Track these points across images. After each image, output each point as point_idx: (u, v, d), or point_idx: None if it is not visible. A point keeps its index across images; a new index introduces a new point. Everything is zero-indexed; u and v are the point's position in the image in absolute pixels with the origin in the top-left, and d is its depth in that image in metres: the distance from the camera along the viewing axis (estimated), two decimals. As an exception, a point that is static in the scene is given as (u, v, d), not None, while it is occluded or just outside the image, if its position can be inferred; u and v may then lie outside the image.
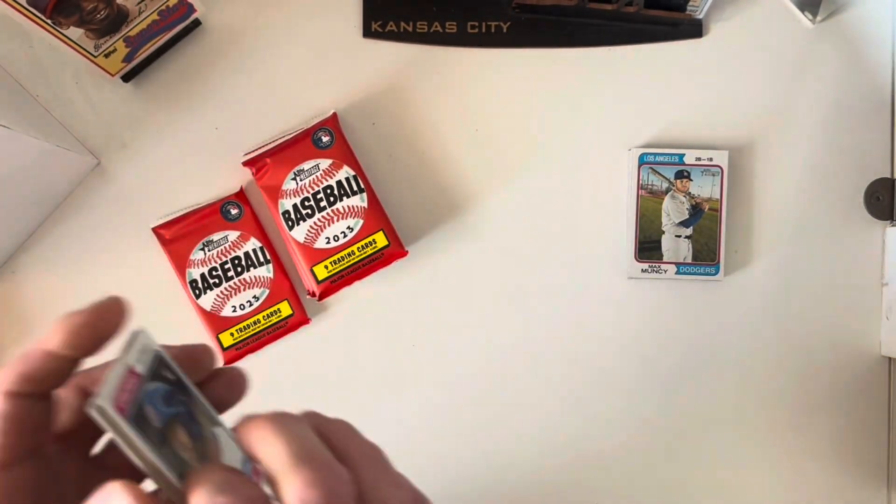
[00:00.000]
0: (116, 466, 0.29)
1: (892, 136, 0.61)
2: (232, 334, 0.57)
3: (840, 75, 0.61)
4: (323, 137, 0.58)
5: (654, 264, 0.59)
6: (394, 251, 0.57)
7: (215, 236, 0.57)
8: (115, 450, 0.28)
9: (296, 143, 0.57)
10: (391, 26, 0.60)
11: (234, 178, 0.59)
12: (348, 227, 0.57)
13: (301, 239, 0.57)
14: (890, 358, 0.61)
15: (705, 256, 0.59)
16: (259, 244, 0.58)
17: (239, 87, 0.60)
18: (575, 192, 0.60)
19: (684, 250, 0.59)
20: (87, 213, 0.59)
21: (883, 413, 0.61)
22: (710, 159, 0.59)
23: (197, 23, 0.59)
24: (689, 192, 0.59)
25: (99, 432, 0.30)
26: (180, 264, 0.57)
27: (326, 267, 0.57)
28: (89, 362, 0.29)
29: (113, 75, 0.58)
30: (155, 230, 0.58)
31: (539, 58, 0.61)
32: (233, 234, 0.58)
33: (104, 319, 0.27)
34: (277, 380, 0.59)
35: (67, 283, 0.59)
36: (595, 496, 0.61)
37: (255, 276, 0.58)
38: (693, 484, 0.61)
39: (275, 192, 0.57)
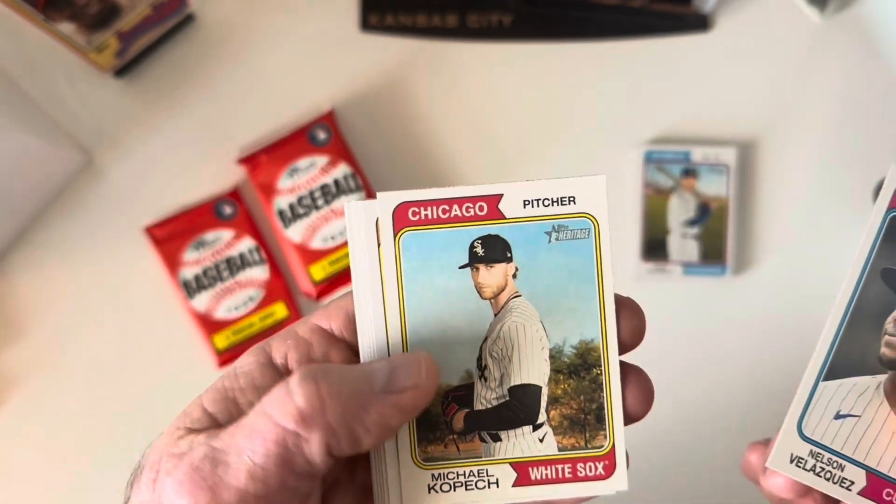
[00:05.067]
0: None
1: (904, 132, 0.60)
2: (227, 337, 0.56)
3: (849, 71, 0.60)
4: (320, 134, 0.57)
5: (660, 264, 0.58)
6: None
7: (208, 236, 0.57)
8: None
9: (291, 140, 0.57)
10: (389, 19, 0.59)
11: (228, 175, 0.58)
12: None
13: (297, 239, 0.56)
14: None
15: (713, 256, 0.58)
16: (254, 244, 0.57)
17: (233, 82, 0.59)
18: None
19: (691, 250, 0.58)
20: (76, 211, 0.59)
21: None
22: (718, 156, 0.58)
23: (191, 17, 0.59)
24: (696, 191, 0.58)
25: None
26: (172, 265, 0.56)
27: (323, 267, 0.56)
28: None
29: (105, 71, 0.57)
30: (146, 229, 0.57)
31: (542, 52, 0.60)
32: (226, 234, 0.57)
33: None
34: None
35: (57, 283, 0.58)
36: (597, 500, 0.60)
37: (249, 277, 0.57)
38: (700, 488, 0.60)
39: (269, 191, 0.56)
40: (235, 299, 0.56)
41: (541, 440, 0.27)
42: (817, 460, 0.27)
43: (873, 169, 0.60)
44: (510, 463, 0.27)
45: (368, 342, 0.27)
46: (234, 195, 0.57)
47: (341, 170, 0.57)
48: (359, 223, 0.26)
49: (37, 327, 0.58)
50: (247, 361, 0.26)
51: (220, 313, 0.56)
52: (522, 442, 0.27)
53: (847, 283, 0.26)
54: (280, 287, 0.57)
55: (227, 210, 0.57)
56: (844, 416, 0.26)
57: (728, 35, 0.60)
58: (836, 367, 0.26)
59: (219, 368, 0.56)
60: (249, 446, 0.23)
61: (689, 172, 0.58)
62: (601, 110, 0.60)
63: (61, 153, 0.57)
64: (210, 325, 0.56)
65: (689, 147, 0.58)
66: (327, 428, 0.23)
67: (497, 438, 0.27)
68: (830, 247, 0.60)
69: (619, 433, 0.27)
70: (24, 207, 0.58)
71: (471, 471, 0.27)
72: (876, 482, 0.26)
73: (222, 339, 0.56)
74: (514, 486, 0.27)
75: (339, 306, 0.27)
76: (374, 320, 0.27)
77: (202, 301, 0.56)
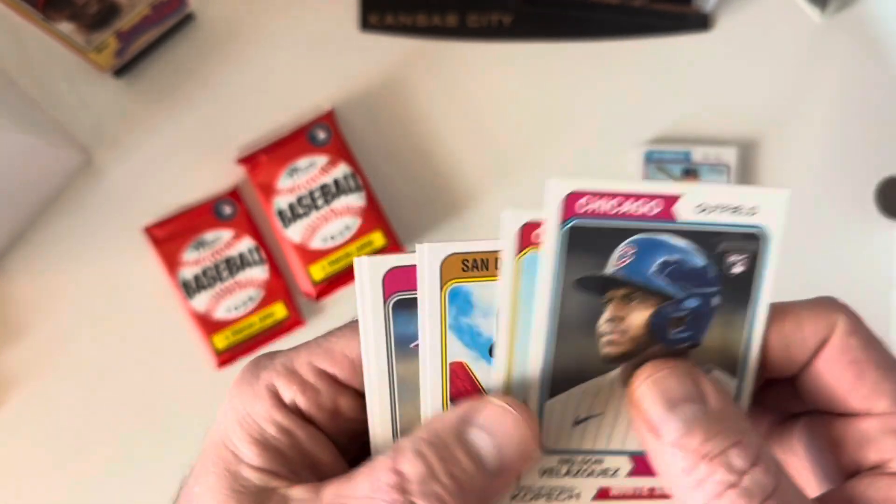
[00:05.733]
0: None
1: (904, 132, 0.60)
2: (227, 337, 0.56)
3: (850, 71, 0.60)
4: (319, 134, 0.57)
5: (660, 265, 0.58)
6: (393, 250, 0.56)
7: (208, 236, 0.57)
8: None
9: (291, 140, 0.57)
10: (389, 19, 0.59)
11: (228, 175, 0.58)
12: (345, 227, 0.56)
13: (297, 239, 0.56)
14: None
15: (713, 256, 0.58)
16: (253, 244, 0.57)
17: (233, 82, 0.59)
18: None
19: (691, 250, 0.58)
20: (76, 211, 0.58)
21: None
22: (718, 156, 0.58)
23: (190, 17, 0.59)
24: (697, 191, 0.58)
25: None
26: (172, 265, 0.56)
27: (323, 267, 0.56)
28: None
29: (104, 70, 0.57)
30: (146, 229, 0.57)
31: (542, 51, 0.60)
32: (226, 234, 0.57)
33: None
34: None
35: (57, 283, 0.58)
36: None
37: (249, 277, 0.57)
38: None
39: (269, 191, 0.56)
40: (235, 299, 0.56)
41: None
42: (569, 465, 0.27)
43: (873, 169, 0.60)
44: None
45: (378, 397, 0.26)
46: (234, 195, 0.57)
47: (341, 169, 0.57)
48: (369, 280, 0.26)
49: (37, 327, 0.58)
50: (261, 407, 0.25)
51: (220, 313, 0.56)
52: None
53: (539, 305, 0.26)
54: (280, 287, 0.57)
55: (227, 210, 0.57)
56: (585, 419, 0.26)
57: (728, 35, 0.60)
58: (558, 383, 0.26)
59: (218, 369, 0.56)
60: None
61: (690, 172, 0.58)
62: (601, 110, 0.60)
63: (61, 153, 0.56)
64: (209, 326, 0.56)
65: (690, 147, 0.58)
66: None
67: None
68: (828, 247, 0.60)
69: None
70: (24, 207, 0.57)
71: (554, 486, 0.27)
72: (643, 462, 0.27)
73: (222, 340, 0.56)
74: (593, 499, 0.27)
75: (343, 353, 0.26)
76: (384, 379, 0.26)
77: (202, 301, 0.56)
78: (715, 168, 0.58)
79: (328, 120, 0.57)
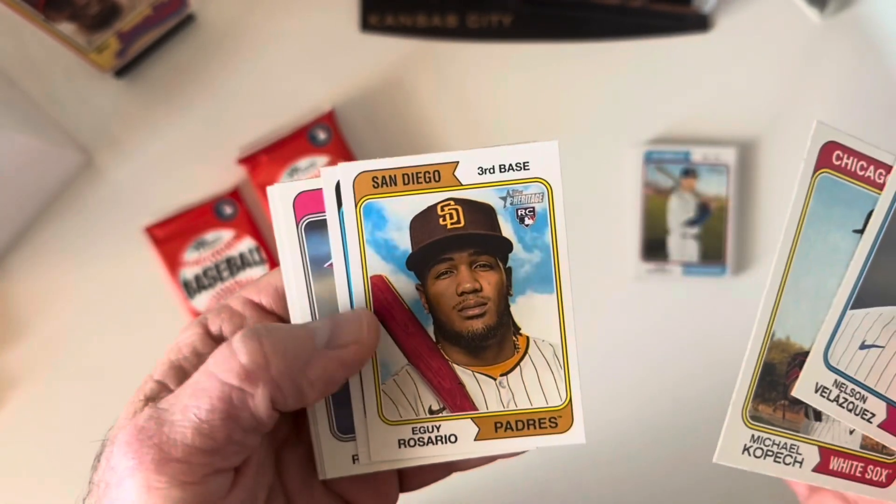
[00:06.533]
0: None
1: (904, 132, 0.60)
2: (227, 336, 0.56)
3: (849, 71, 0.60)
4: (320, 134, 0.57)
5: (659, 265, 0.58)
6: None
7: (208, 236, 0.57)
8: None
9: (291, 140, 0.57)
10: (389, 19, 0.59)
11: (229, 175, 0.58)
12: (346, 227, 0.56)
13: (297, 238, 0.56)
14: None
15: (712, 256, 0.58)
16: (254, 244, 0.57)
17: (233, 82, 0.59)
18: (578, 191, 0.59)
19: (691, 250, 0.58)
20: (76, 211, 0.59)
21: None
22: (718, 157, 0.58)
23: (191, 17, 0.59)
24: (696, 191, 0.58)
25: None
26: (172, 265, 0.56)
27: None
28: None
29: (105, 71, 0.57)
30: (147, 229, 0.57)
31: (542, 52, 0.60)
32: (227, 234, 0.57)
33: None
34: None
35: (57, 283, 0.58)
36: (597, 502, 0.60)
37: (249, 277, 0.57)
38: (700, 490, 0.60)
39: (270, 191, 0.57)
40: (235, 299, 0.56)
41: (850, 433, 0.27)
42: (841, 391, 0.27)
43: (873, 169, 0.60)
44: (819, 446, 0.27)
45: (300, 316, 0.28)
46: (235, 195, 0.57)
47: (341, 170, 0.57)
48: (281, 206, 0.27)
49: (37, 327, 0.58)
50: (186, 335, 0.27)
51: (221, 313, 0.56)
52: (836, 429, 0.27)
53: (879, 208, 0.26)
54: (280, 287, 0.57)
55: (228, 210, 0.57)
56: (869, 347, 0.27)
57: (728, 35, 0.60)
58: (864, 296, 0.26)
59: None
60: (195, 403, 0.24)
61: (689, 172, 0.58)
62: (601, 110, 0.60)
63: (61, 153, 0.57)
64: (210, 325, 0.56)
65: (689, 147, 0.58)
66: (271, 383, 0.24)
67: (819, 418, 0.27)
68: (830, 247, 0.60)
69: None
70: (24, 207, 0.57)
71: (785, 443, 0.27)
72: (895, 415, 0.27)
73: (222, 339, 0.56)
74: (813, 470, 0.27)
75: (269, 282, 0.28)
76: (303, 297, 0.28)
77: (202, 301, 0.56)
78: (714, 168, 0.58)
79: (328, 120, 0.57)
